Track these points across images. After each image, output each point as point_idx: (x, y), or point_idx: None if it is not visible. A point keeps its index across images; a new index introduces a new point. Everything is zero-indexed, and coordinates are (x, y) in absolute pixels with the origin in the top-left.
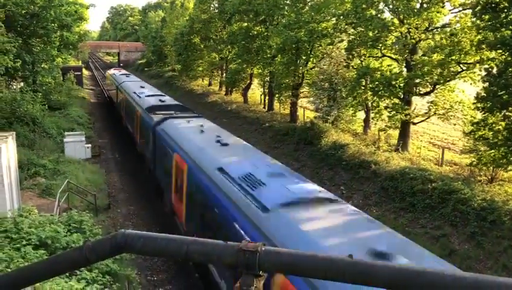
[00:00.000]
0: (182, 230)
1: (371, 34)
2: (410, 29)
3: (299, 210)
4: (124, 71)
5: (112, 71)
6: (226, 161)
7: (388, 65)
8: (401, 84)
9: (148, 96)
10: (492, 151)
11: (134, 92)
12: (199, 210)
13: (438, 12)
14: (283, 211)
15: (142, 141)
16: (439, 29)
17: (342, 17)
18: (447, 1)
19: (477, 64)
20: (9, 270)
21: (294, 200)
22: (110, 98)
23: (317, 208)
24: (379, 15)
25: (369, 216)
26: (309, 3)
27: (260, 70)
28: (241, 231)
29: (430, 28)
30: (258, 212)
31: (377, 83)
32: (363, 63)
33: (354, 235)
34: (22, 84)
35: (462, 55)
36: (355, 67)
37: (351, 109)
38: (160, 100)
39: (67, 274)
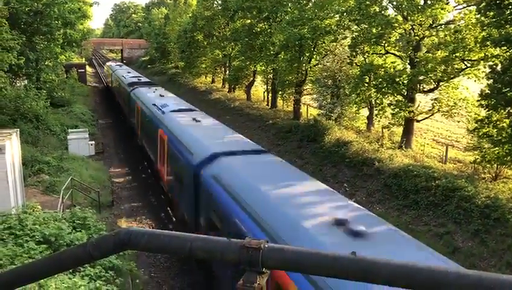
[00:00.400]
0: (139, 142)
1: (374, 30)
2: (414, 26)
3: (178, 113)
4: (118, 63)
5: (109, 63)
6: (158, 100)
7: (392, 62)
8: (405, 81)
9: (131, 77)
10: (497, 148)
11: (122, 75)
12: (144, 125)
13: (442, 8)
14: (170, 113)
15: (124, 104)
16: (443, 26)
17: (345, 13)
18: None
19: (482, 61)
20: (13, 266)
21: (176, 109)
22: (107, 84)
23: (188, 113)
24: (383, 12)
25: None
26: (312, 0)
27: (263, 68)
28: (156, 124)
29: (434, 25)
30: (161, 114)
31: (380, 80)
32: (367, 60)
33: (191, 115)
34: (25, 81)
35: (466, 52)
36: (358, 64)
37: (355, 106)
38: (138, 79)
39: (71, 271)
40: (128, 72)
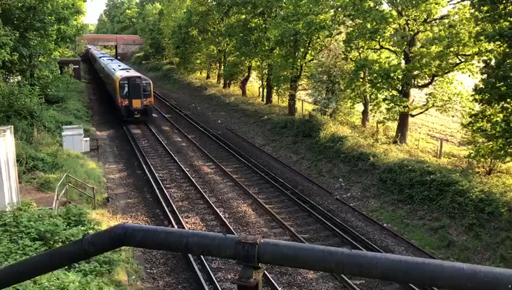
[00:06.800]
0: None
1: (369, 26)
2: (409, 21)
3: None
4: (98, 49)
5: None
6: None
7: (386, 57)
8: (400, 76)
9: (103, 54)
10: (490, 143)
11: (100, 56)
12: (102, 74)
13: (436, 3)
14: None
15: (100, 71)
16: (437, 21)
17: (340, 8)
18: None
19: (476, 56)
20: (7, 263)
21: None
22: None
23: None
24: (377, 7)
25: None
26: None
27: (258, 63)
28: (102, 64)
29: (428, 20)
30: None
31: (375, 75)
32: (361, 55)
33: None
34: (19, 77)
35: (461, 47)
36: (353, 59)
37: (349, 101)
38: (105, 56)
39: (66, 267)
40: (102, 54)
